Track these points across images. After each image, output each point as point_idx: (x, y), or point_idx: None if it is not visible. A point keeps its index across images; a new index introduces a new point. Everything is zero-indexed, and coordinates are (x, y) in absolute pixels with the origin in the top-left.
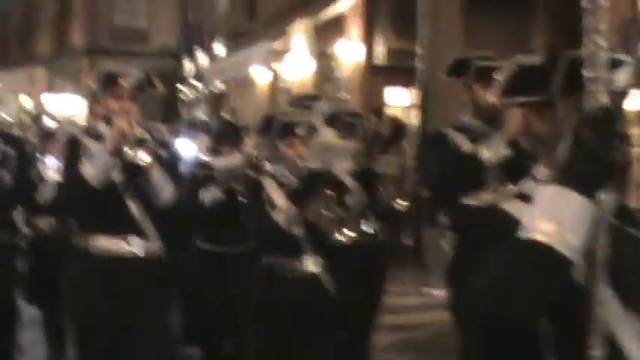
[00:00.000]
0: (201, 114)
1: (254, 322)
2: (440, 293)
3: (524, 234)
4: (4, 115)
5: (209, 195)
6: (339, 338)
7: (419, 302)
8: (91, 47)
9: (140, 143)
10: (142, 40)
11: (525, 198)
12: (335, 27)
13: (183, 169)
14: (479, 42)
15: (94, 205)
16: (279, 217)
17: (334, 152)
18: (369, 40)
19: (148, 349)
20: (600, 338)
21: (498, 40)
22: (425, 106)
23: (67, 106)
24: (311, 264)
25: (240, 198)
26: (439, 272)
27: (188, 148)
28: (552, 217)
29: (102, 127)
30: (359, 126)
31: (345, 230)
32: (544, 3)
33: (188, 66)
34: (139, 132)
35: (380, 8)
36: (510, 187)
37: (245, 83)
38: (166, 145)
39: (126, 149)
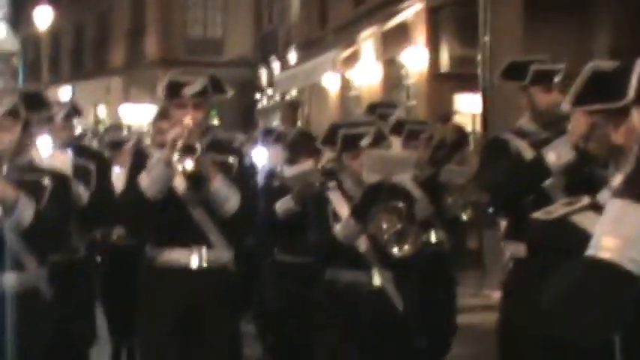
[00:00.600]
0: (276, 122)
1: (317, 338)
2: (498, 295)
3: (590, 251)
4: (80, 127)
5: (282, 206)
6: (403, 353)
7: (476, 303)
8: (165, 58)
9: (187, 150)
10: (217, 50)
11: (601, 210)
12: (401, 35)
13: (259, 179)
14: (539, 47)
15: (155, 217)
16: (338, 232)
17: (393, 163)
18: (433, 47)
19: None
20: None
21: (559, 44)
22: (487, 112)
23: (144, 116)
24: (377, 277)
25: None
26: (498, 275)
27: (263, 158)
28: (617, 232)
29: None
30: (424, 134)
31: (405, 246)
32: (606, 6)
33: (264, 75)
34: (188, 139)
35: (444, 16)
36: (584, 198)
37: (317, 91)
38: (238, 154)
39: (174, 157)
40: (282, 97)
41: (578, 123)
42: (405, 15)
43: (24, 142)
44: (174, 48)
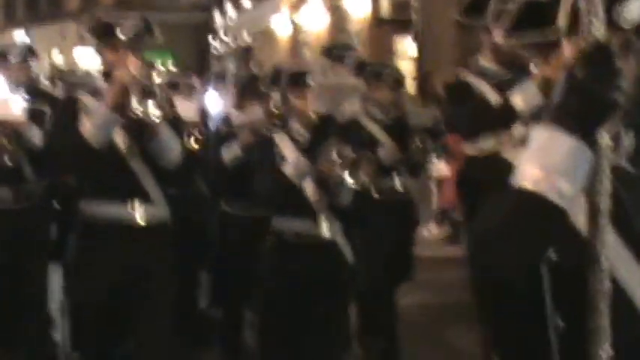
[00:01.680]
0: (231, 67)
1: (262, 291)
2: (427, 233)
3: (514, 182)
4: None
5: (229, 153)
6: (349, 307)
7: None
8: (120, 1)
9: (149, 96)
10: None
11: None
12: None
13: (212, 124)
14: None
15: (94, 167)
16: (289, 171)
17: (341, 92)
18: None
19: (156, 319)
20: (606, 292)
21: None
22: (420, 55)
23: (98, 60)
24: (325, 227)
25: None
26: (427, 213)
27: (216, 103)
28: (540, 161)
29: (99, 82)
30: (387, 76)
31: (360, 175)
32: None
33: (218, 19)
34: (147, 80)
35: None
36: (514, 132)
37: (269, 36)
38: (172, 104)
39: (134, 104)
40: (236, 42)
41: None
42: None
43: None
44: None
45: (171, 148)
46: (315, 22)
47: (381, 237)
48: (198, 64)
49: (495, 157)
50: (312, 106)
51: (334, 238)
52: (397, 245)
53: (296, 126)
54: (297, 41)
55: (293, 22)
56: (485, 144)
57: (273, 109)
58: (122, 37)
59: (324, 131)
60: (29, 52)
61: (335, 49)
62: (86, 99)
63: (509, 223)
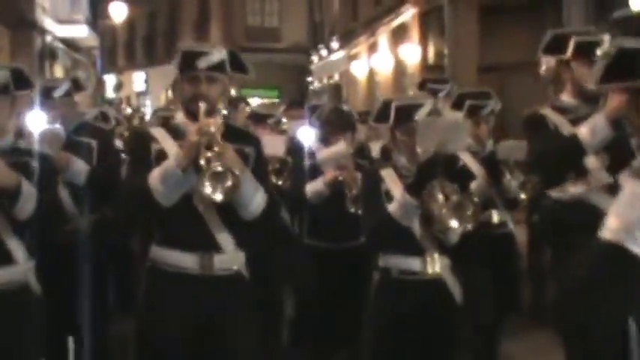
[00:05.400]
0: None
1: (368, 329)
2: None
3: (600, 233)
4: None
5: (311, 187)
6: (462, 346)
7: None
8: (227, 45)
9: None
10: (274, 37)
11: (615, 190)
12: (403, 32)
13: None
14: (494, 44)
15: (163, 219)
16: (394, 210)
17: (446, 130)
18: (424, 43)
19: None
20: None
21: (511, 40)
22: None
23: None
24: (433, 264)
25: (346, 190)
26: None
27: (310, 136)
28: (623, 213)
29: (179, 117)
30: (486, 108)
31: (464, 218)
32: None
33: (315, 60)
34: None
35: (431, 19)
36: (601, 177)
37: (350, 76)
38: (254, 142)
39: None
40: (328, 81)
41: (614, 100)
42: (405, 17)
43: (9, 121)
44: (235, 36)
45: (254, 197)
46: (383, 66)
47: (483, 272)
48: (301, 100)
49: (581, 201)
50: (418, 142)
51: (442, 275)
52: (500, 280)
53: (402, 160)
54: (371, 81)
55: (368, 65)
56: (573, 188)
57: (362, 144)
58: (203, 67)
59: (429, 172)
60: (73, 86)
61: (430, 83)
62: (159, 133)
63: (594, 274)
